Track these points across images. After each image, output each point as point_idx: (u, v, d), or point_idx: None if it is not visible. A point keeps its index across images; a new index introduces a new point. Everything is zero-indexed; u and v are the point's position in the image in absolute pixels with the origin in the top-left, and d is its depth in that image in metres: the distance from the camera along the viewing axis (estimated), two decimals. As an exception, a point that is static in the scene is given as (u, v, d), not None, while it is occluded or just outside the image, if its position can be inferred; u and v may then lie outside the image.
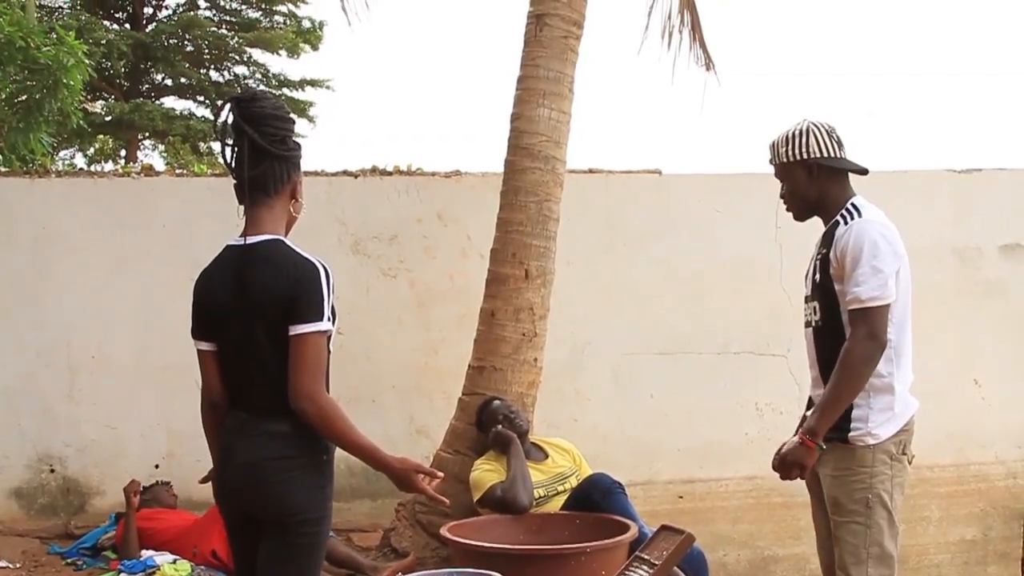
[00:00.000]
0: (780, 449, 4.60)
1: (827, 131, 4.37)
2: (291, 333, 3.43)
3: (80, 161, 24.32)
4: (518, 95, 6.59)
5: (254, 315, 3.53)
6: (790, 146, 4.38)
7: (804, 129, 4.37)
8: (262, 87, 25.86)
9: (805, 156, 4.35)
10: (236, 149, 3.65)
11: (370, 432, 7.28)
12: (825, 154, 4.35)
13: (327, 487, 3.55)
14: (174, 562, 5.93)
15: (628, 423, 7.56)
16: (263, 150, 3.61)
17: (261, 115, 3.61)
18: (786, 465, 4.23)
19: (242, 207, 3.80)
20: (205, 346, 3.69)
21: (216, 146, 25.08)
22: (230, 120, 3.63)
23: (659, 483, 7.55)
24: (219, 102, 3.67)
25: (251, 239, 3.71)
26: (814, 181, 4.38)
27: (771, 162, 4.49)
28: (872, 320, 4.11)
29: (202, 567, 5.96)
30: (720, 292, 7.68)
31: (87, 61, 10.11)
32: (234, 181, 3.73)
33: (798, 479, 4.34)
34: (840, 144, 4.39)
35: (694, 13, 7.96)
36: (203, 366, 3.73)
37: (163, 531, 6.28)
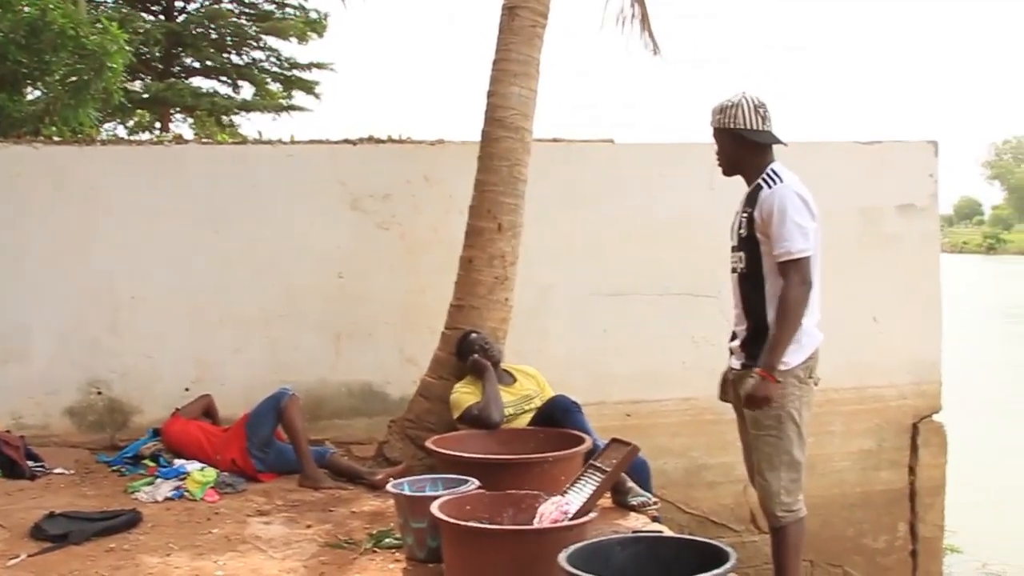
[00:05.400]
0: (725, 377, 4.62)
1: (755, 106, 4.34)
2: None
3: (122, 132, 24.04)
4: (493, 75, 6.55)
5: None
6: (722, 115, 4.38)
7: (735, 102, 4.35)
8: (276, 68, 25.71)
9: (731, 126, 4.35)
10: None
11: (367, 361, 7.42)
12: (749, 126, 4.34)
13: None
14: (202, 469, 5.95)
15: (585, 353, 7.57)
16: None
17: None
18: (756, 400, 4.23)
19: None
20: None
21: (237, 119, 24.80)
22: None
23: (610, 403, 7.56)
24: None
25: None
26: (737, 147, 4.39)
27: (709, 124, 4.48)
28: (802, 268, 4.16)
29: (225, 473, 5.99)
30: (663, 243, 7.68)
31: (128, 47, 10.03)
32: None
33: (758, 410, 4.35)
34: (765, 118, 4.36)
35: (643, 6, 7.92)
36: None
37: (191, 443, 6.30)
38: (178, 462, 6.13)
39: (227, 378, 7.13)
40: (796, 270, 4.16)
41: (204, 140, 9.18)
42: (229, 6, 25.12)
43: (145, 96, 22.70)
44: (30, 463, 6.28)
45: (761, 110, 4.36)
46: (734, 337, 4.52)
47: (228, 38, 25.49)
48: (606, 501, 5.21)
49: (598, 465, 4.30)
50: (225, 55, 25.57)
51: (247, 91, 25.95)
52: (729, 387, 4.62)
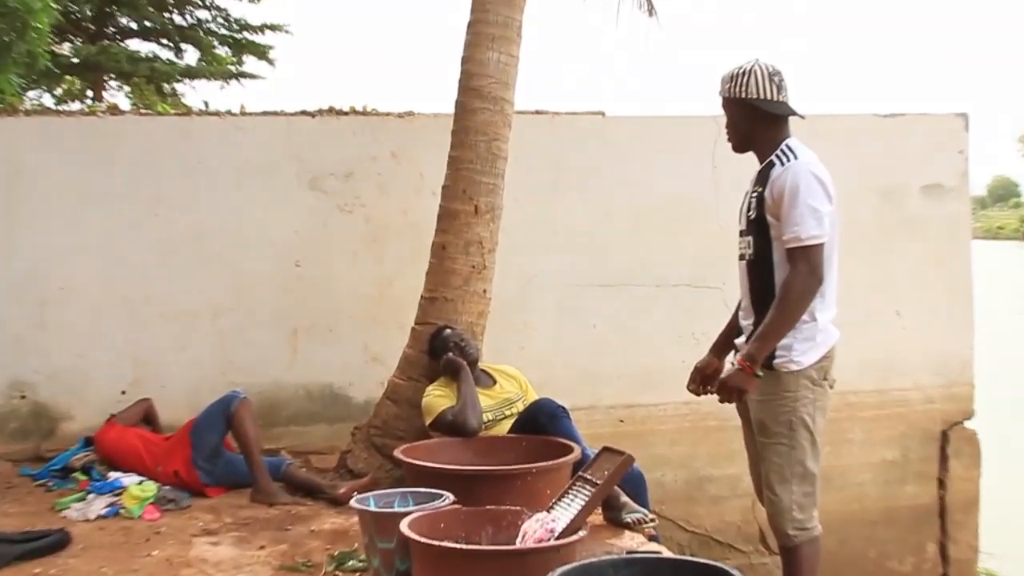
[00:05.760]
0: (697, 366, 4.69)
1: (769, 74, 4.37)
2: None
3: (48, 101, 23.91)
4: (468, 39, 6.54)
5: None
6: (732, 84, 4.40)
7: (747, 70, 4.37)
8: (224, 30, 25.58)
9: (743, 95, 4.37)
10: None
11: (328, 360, 7.38)
12: (762, 96, 4.35)
13: None
14: (140, 483, 5.93)
15: (572, 351, 7.60)
16: None
17: None
18: (726, 389, 4.28)
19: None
20: None
21: (180, 87, 24.69)
22: None
23: (601, 408, 7.60)
24: None
25: None
26: (749, 120, 4.41)
27: (719, 94, 4.50)
28: (812, 257, 4.16)
29: (167, 487, 5.97)
30: (659, 228, 7.71)
31: (54, 5, 9.99)
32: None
33: (729, 403, 4.40)
34: (780, 88, 4.38)
35: (637, -37, 7.91)
36: None
37: (128, 453, 6.28)
38: (113, 475, 6.11)
39: (169, 379, 7.12)
40: (805, 258, 4.17)
41: (142, 111, 9.13)
42: (171, -41, 24.99)
43: (75, 61, 22.53)
44: (-55, 477, 6.27)
45: (776, 78, 4.38)
46: (739, 332, 4.54)
47: (170, -5, 25.37)
48: (597, 518, 5.22)
49: (588, 477, 4.31)
50: (166, 14, 25.39)
51: (191, 56, 25.81)
52: (701, 377, 4.72)
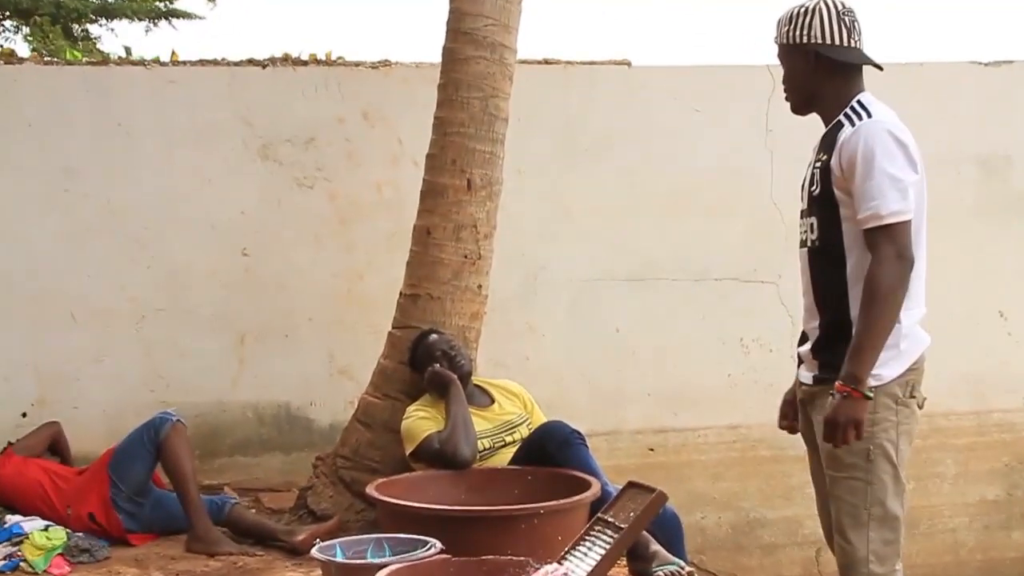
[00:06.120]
0: (787, 398, 4.66)
1: (838, 13, 4.33)
2: None
3: (-71, 48, 24.01)
4: (460, -32, 6.54)
5: None
6: (791, 26, 4.36)
7: (810, 8, 4.33)
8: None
9: (804, 40, 4.34)
10: None
11: (284, 372, 7.41)
12: (828, 40, 4.33)
13: None
14: (46, 529, 5.90)
15: (589, 362, 7.61)
16: None
17: None
18: (839, 428, 4.19)
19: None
20: None
21: (94, 29, 24.72)
22: None
23: (625, 433, 7.61)
24: None
25: None
26: (812, 71, 4.37)
27: (774, 41, 4.48)
28: (897, 237, 4.09)
29: (80, 534, 5.94)
30: (699, 208, 7.70)
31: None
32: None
33: (844, 445, 4.34)
34: (852, 30, 4.35)
35: None
36: None
37: (31, 491, 6.26)
38: (11, 519, 6.09)
39: (83, 398, 7.12)
40: (889, 240, 4.14)
41: (47, 59, 9.14)
42: None
43: (-40, -4, 22.60)
44: None
45: (847, 19, 4.35)
46: (804, 339, 4.52)
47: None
48: (621, 571, 5.23)
49: (609, 520, 4.31)
50: (75, -64, 25.44)
51: (109, -12, 25.83)
52: (794, 410, 4.66)
